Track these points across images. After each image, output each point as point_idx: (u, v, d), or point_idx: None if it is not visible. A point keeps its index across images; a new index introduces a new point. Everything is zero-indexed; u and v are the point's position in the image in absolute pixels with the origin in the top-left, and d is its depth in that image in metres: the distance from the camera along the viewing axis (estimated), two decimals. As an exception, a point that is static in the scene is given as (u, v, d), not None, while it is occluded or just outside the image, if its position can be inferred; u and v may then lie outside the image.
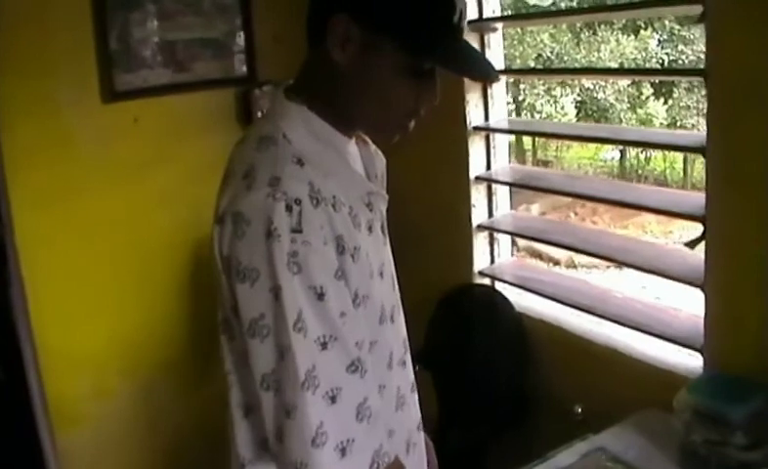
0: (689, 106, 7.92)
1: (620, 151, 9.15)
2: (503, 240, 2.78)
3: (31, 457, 2.81)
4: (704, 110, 1.98)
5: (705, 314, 1.96)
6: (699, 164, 7.32)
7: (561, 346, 2.41)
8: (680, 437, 1.79)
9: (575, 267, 6.81)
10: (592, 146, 8.60)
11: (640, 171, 9.39)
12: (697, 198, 1.99)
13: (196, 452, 2.97)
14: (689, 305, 2.15)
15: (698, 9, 1.85)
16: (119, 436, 2.91)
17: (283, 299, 1.05)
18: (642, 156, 9.21)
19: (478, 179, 2.68)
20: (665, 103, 8.34)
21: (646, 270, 2.14)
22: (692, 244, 1.97)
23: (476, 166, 2.70)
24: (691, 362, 2.06)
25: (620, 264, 2.34)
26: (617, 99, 8.48)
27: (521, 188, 2.78)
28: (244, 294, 1.08)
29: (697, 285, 1.96)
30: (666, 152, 8.01)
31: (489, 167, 2.70)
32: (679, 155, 8.17)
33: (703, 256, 1.94)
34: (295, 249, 1.05)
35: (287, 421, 1.07)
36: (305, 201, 1.08)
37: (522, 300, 2.60)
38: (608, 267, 5.51)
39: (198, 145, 2.90)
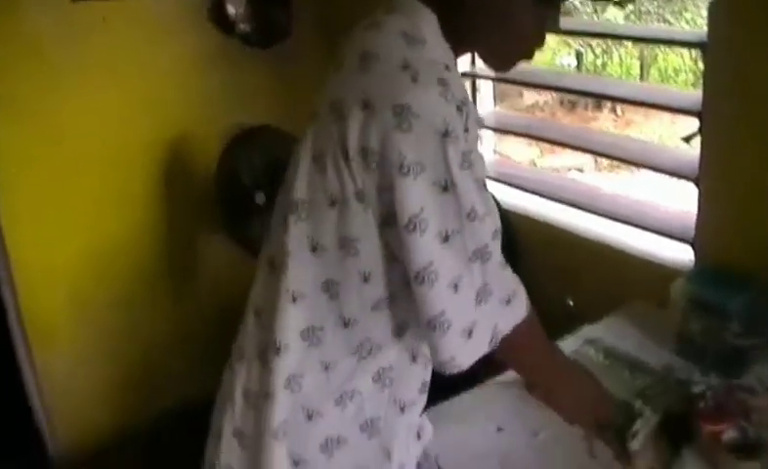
0: (649, 12, 7.92)
1: (577, 57, 9.15)
2: (486, 140, 2.77)
3: (9, 373, 2.78)
4: (665, 15, 1.98)
5: (699, 208, 2.00)
6: (655, 71, 7.36)
7: (549, 242, 2.44)
8: (677, 326, 1.84)
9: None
10: (548, 51, 8.55)
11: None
12: (693, 95, 2.01)
13: (174, 364, 2.97)
14: (679, 203, 2.19)
15: None
16: (96, 348, 2.89)
17: (459, 194, 1.09)
18: (599, 62, 9.23)
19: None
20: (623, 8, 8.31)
21: (640, 164, 2.17)
22: (688, 139, 2.00)
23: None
24: (681, 256, 2.11)
25: (614, 159, 2.36)
26: (581, 3, 8.41)
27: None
28: (404, 188, 1.08)
29: (691, 179, 2.00)
30: (623, 58, 8.02)
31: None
32: (636, 62, 8.21)
33: (697, 151, 1.97)
34: (467, 148, 1.10)
35: (453, 297, 1.11)
36: (468, 105, 1.12)
37: (508, 198, 2.61)
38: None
39: (173, 48, 2.81)
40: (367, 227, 1.13)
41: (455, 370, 1.15)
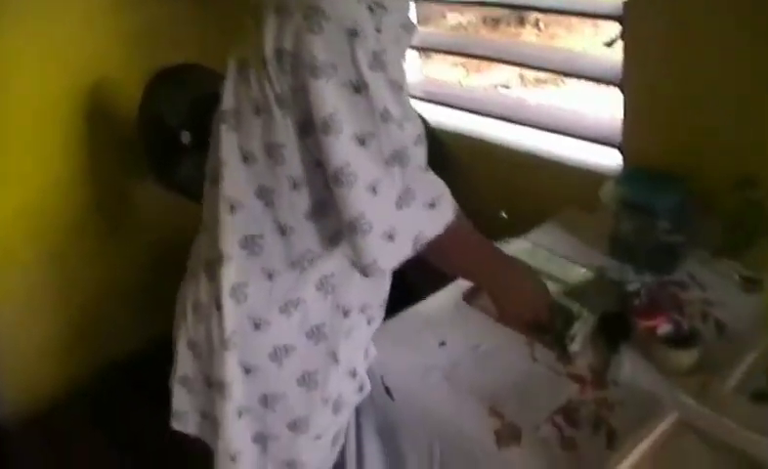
0: None
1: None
2: (413, 62, 2.73)
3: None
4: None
5: (624, 112, 2.04)
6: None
7: (480, 157, 2.45)
8: (609, 229, 1.89)
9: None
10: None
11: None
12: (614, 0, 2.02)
13: (115, 315, 2.92)
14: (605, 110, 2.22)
15: None
16: (33, 305, 2.80)
17: (371, 95, 1.08)
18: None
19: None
20: None
21: (564, 73, 2.18)
22: (610, 44, 2.01)
23: None
24: (610, 161, 2.15)
25: (539, 70, 2.37)
26: None
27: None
28: (318, 90, 1.07)
29: (615, 85, 2.02)
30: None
31: None
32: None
33: (620, 56, 1.99)
34: (378, 48, 1.09)
35: (373, 200, 1.11)
36: (383, 7, 1.12)
37: (438, 117, 2.60)
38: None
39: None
40: (289, 133, 1.14)
41: (378, 273, 1.17)
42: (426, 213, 1.17)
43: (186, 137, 2.55)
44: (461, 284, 1.85)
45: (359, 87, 1.07)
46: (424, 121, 2.50)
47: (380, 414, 1.62)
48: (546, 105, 2.45)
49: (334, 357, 1.32)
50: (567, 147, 2.28)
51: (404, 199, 1.14)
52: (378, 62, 1.08)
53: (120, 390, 2.78)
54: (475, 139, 2.47)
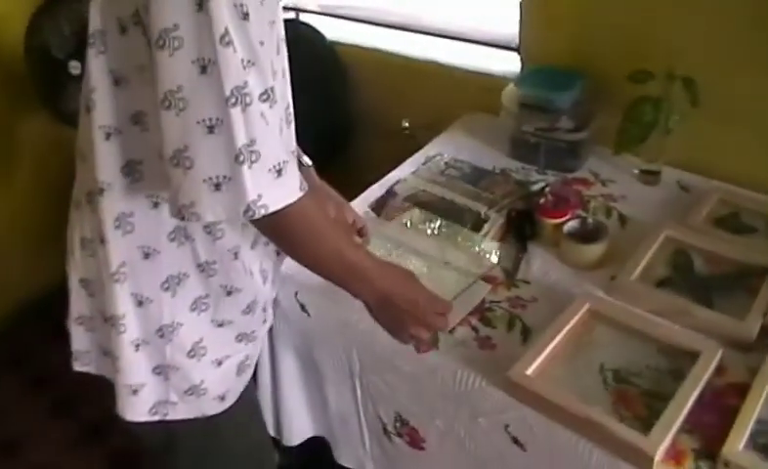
0: None
1: None
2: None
3: None
4: None
5: (521, 13, 2.02)
6: None
7: (378, 68, 2.40)
8: (510, 130, 1.89)
9: None
10: None
11: None
12: None
13: (14, 254, 2.77)
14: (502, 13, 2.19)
15: None
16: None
17: (211, 11, 0.95)
18: None
19: None
20: None
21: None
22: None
23: None
24: (508, 64, 2.14)
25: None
26: None
27: None
28: (157, 1, 0.95)
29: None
30: None
31: None
32: None
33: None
34: None
35: (205, 138, 0.99)
36: None
37: (333, 30, 2.52)
38: None
39: None
40: (148, 52, 1.02)
41: (194, 219, 1.03)
42: (270, 179, 1.02)
43: (75, 67, 2.43)
44: (367, 197, 1.82)
45: (201, 2, 0.95)
46: (318, 35, 2.46)
47: (295, 332, 1.59)
48: (443, 12, 2.39)
49: (227, 291, 1.27)
50: (465, 52, 2.25)
51: (245, 155, 0.99)
52: None
53: (34, 329, 2.68)
54: (373, 51, 2.41)
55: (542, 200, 1.62)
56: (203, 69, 0.97)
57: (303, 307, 1.52)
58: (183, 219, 1.04)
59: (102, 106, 1.11)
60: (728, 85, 1.67)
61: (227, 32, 0.96)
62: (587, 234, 1.55)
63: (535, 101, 1.83)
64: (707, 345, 1.30)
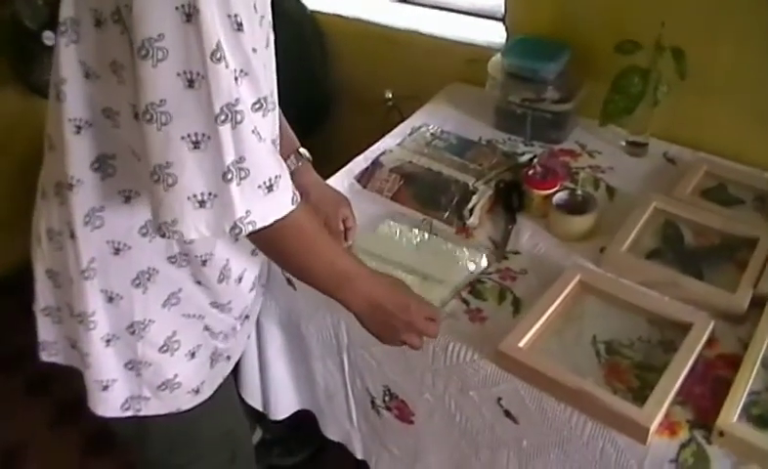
0: None
1: None
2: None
3: None
4: None
5: (507, -19, 2.00)
6: None
7: (360, 38, 2.35)
8: (496, 101, 1.87)
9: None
10: None
11: None
12: None
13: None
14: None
15: None
16: None
17: (201, 23, 0.89)
18: None
19: None
20: None
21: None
22: None
23: None
24: (493, 35, 2.11)
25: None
26: None
27: None
28: (141, 5, 0.89)
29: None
30: None
31: None
32: None
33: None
34: None
35: (189, 154, 0.94)
36: None
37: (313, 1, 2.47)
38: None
39: None
40: (127, 53, 0.97)
41: (176, 237, 0.98)
42: (260, 195, 0.98)
43: (48, 38, 2.36)
44: (352, 168, 1.79)
45: (190, 14, 0.88)
46: (299, 5, 2.41)
47: (281, 306, 1.57)
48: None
49: (198, 282, 1.24)
50: (450, 22, 2.22)
51: (234, 172, 0.95)
52: None
53: (4, 307, 2.58)
54: (355, 20, 2.36)
55: (530, 172, 1.61)
56: (190, 83, 0.92)
57: (289, 281, 1.50)
58: (163, 236, 1.00)
59: (72, 98, 1.06)
60: (715, 56, 1.67)
61: (219, 46, 0.91)
62: (576, 206, 1.54)
63: (521, 71, 1.81)
64: (699, 317, 1.29)
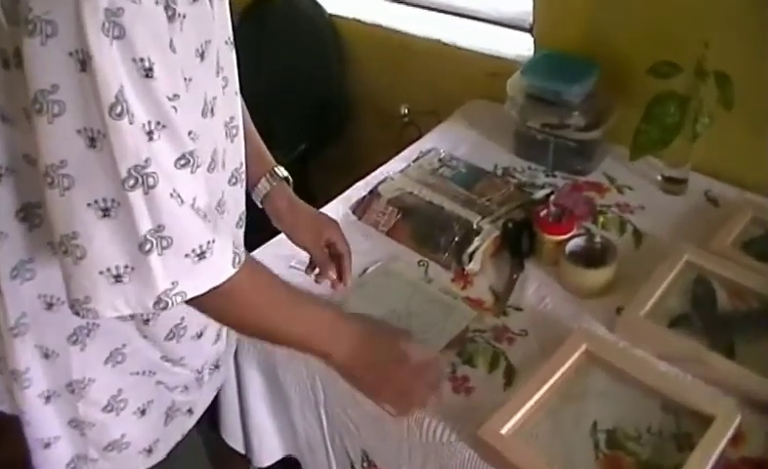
0: None
1: None
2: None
3: None
4: None
5: (536, -12, 1.78)
6: None
7: (379, 46, 2.17)
8: (515, 124, 1.66)
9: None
10: None
11: None
12: None
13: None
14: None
15: None
16: None
17: (97, 72, 0.74)
18: None
19: None
20: None
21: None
22: None
23: None
24: (520, 48, 1.90)
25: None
26: None
27: None
28: (31, 52, 0.75)
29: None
30: None
31: None
32: None
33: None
34: (118, 6, 0.74)
35: (98, 223, 0.81)
36: None
37: (332, 4, 2.28)
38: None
39: None
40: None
41: (90, 316, 0.86)
42: (188, 264, 0.86)
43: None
44: (349, 196, 1.62)
45: (84, 60, 0.75)
46: (318, 9, 2.24)
47: (259, 349, 1.41)
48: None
49: (144, 337, 1.10)
50: (474, 31, 2.01)
51: (152, 242, 0.82)
52: (114, 24, 0.74)
53: None
54: (374, 26, 2.18)
55: (543, 212, 1.40)
56: (92, 142, 0.78)
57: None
58: (77, 314, 0.87)
59: None
60: (767, 83, 1.42)
61: (119, 99, 0.76)
62: (593, 256, 1.33)
63: (543, 93, 1.60)
64: (724, 406, 1.08)
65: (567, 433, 1.08)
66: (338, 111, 2.29)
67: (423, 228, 1.47)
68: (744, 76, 1.38)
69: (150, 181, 0.80)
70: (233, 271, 0.90)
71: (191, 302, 0.89)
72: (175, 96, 0.82)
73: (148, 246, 0.82)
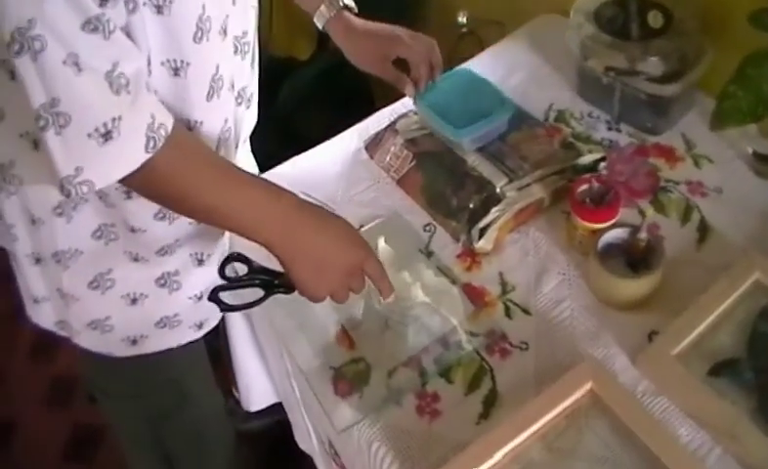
0: None
1: None
2: None
3: None
4: None
5: None
6: None
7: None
8: (578, 58, 1.33)
9: None
10: None
11: None
12: None
13: None
14: None
15: None
16: None
17: None
18: None
19: None
20: None
21: None
22: None
23: None
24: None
25: None
26: None
27: None
28: None
29: None
30: None
31: None
32: None
33: None
34: None
35: (11, 83, 0.82)
36: None
37: None
38: None
39: None
40: None
41: (16, 183, 0.92)
42: (93, 146, 0.78)
43: None
44: (367, 126, 1.37)
45: None
46: None
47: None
48: None
49: (134, 257, 1.07)
50: None
51: (46, 117, 0.76)
52: None
53: None
54: None
55: (581, 187, 1.11)
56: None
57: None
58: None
59: None
60: None
61: None
62: (633, 256, 1.04)
63: (611, 22, 1.25)
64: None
65: (539, 502, 0.85)
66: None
67: (437, 182, 1.21)
68: None
69: (37, 45, 0.73)
70: (146, 156, 0.81)
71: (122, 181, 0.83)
72: None
73: (41, 123, 0.76)
